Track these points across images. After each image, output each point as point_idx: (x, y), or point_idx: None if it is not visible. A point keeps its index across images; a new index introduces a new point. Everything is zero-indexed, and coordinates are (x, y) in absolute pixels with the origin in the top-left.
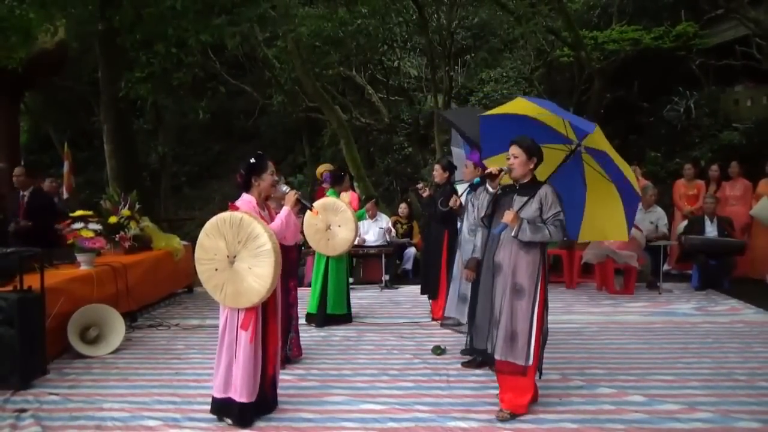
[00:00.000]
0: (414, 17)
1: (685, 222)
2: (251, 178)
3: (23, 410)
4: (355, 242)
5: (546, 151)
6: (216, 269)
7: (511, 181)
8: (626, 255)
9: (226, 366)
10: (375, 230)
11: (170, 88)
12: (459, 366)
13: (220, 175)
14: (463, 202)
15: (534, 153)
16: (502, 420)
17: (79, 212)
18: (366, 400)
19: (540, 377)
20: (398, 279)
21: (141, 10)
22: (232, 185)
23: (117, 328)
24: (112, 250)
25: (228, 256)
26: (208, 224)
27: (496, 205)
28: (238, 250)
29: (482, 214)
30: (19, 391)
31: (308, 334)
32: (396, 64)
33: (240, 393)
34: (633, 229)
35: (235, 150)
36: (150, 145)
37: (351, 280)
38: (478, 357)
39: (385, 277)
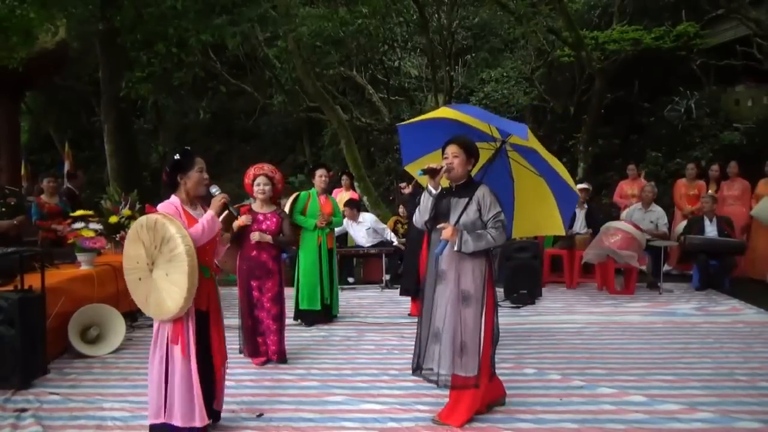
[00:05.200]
0: (414, 17)
1: (685, 222)
2: (177, 177)
3: (24, 410)
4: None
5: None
6: (139, 279)
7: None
8: (627, 255)
9: (157, 386)
10: (362, 232)
11: (171, 87)
12: None
13: (221, 175)
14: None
15: (473, 153)
16: (435, 422)
17: (79, 212)
18: (366, 399)
19: (494, 373)
20: (399, 279)
21: (141, 9)
22: (232, 185)
23: (117, 327)
24: (112, 250)
25: (148, 264)
26: (129, 230)
27: (436, 208)
28: (156, 255)
29: (425, 218)
30: (19, 391)
31: (309, 334)
32: (396, 64)
33: (180, 416)
34: (633, 229)
35: (236, 150)
36: (150, 145)
37: (351, 279)
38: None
39: (386, 277)
